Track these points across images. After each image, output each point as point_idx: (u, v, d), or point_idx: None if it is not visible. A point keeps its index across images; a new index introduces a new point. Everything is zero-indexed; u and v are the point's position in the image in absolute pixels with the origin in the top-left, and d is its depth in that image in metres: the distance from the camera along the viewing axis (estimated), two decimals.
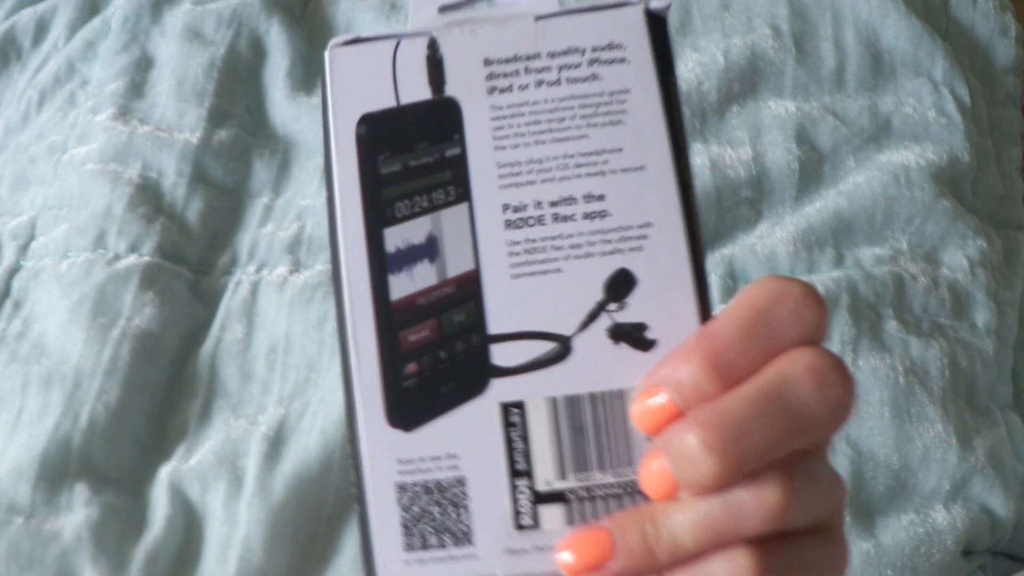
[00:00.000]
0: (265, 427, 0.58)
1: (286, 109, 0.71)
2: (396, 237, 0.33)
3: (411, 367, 0.33)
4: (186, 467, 0.57)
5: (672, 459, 0.30)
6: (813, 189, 0.69)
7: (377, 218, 0.33)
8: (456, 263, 0.33)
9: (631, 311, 0.33)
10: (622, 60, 0.33)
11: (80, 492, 0.56)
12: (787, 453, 0.30)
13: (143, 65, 0.73)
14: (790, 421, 0.30)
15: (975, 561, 0.62)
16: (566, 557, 0.32)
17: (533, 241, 0.33)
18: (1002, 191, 0.74)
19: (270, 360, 0.61)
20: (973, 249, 0.68)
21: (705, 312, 0.32)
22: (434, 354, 0.33)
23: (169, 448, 0.59)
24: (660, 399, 0.31)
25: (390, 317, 0.33)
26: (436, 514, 0.33)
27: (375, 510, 0.33)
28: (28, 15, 0.80)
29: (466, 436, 0.33)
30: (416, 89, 0.34)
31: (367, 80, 0.34)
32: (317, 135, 0.70)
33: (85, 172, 0.67)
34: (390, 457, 0.33)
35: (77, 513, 0.55)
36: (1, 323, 0.64)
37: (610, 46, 0.34)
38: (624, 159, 0.33)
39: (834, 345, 0.62)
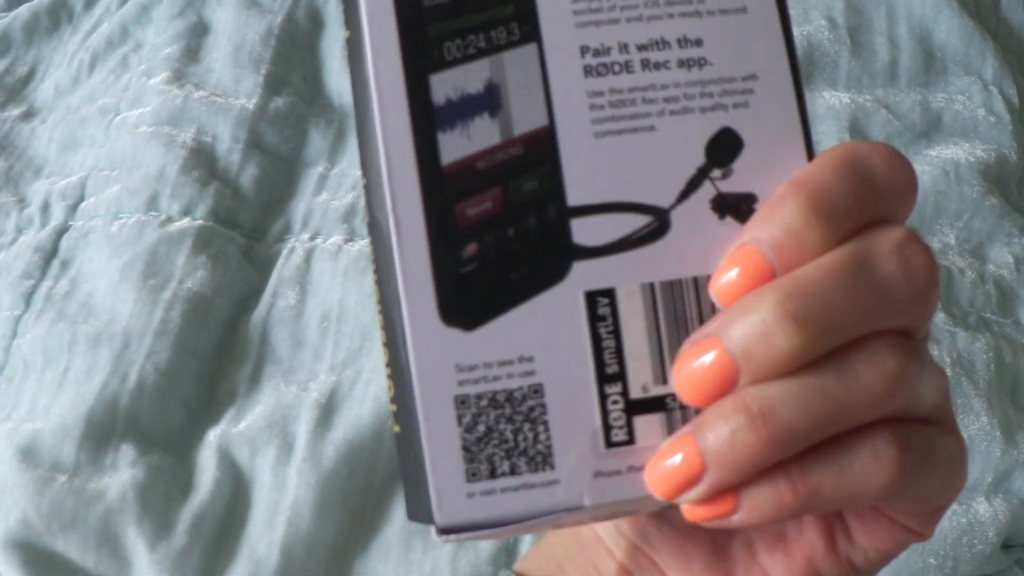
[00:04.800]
0: (317, 394, 0.58)
1: (343, 80, 0.71)
2: (446, 85, 0.26)
3: (470, 248, 0.27)
4: (235, 431, 0.57)
5: (741, 332, 0.26)
6: None
7: (420, 61, 0.26)
8: (524, 118, 0.27)
9: (737, 179, 0.28)
10: None
11: (126, 452, 0.55)
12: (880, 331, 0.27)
13: (199, 31, 0.73)
14: (876, 296, 0.26)
15: (1014, 555, 0.62)
16: (654, 478, 0.27)
17: (619, 92, 0.27)
18: None
19: (323, 328, 0.61)
20: (1019, 247, 0.69)
21: None
22: (499, 231, 0.27)
23: (218, 412, 0.59)
24: (749, 261, 0.26)
25: (441, 185, 0.26)
26: (507, 433, 0.26)
27: (428, 432, 0.26)
28: None
29: (543, 334, 0.27)
30: None
31: None
32: None
33: (138, 134, 0.67)
34: (446, 363, 0.26)
35: (122, 473, 0.54)
36: (48, 282, 0.64)
37: None
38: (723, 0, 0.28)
39: None
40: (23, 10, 0.80)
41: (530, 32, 0.27)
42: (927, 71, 0.74)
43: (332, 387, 0.58)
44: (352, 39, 0.27)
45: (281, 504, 0.54)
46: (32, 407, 0.58)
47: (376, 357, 0.59)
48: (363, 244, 0.64)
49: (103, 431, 0.56)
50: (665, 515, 0.35)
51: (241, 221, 0.65)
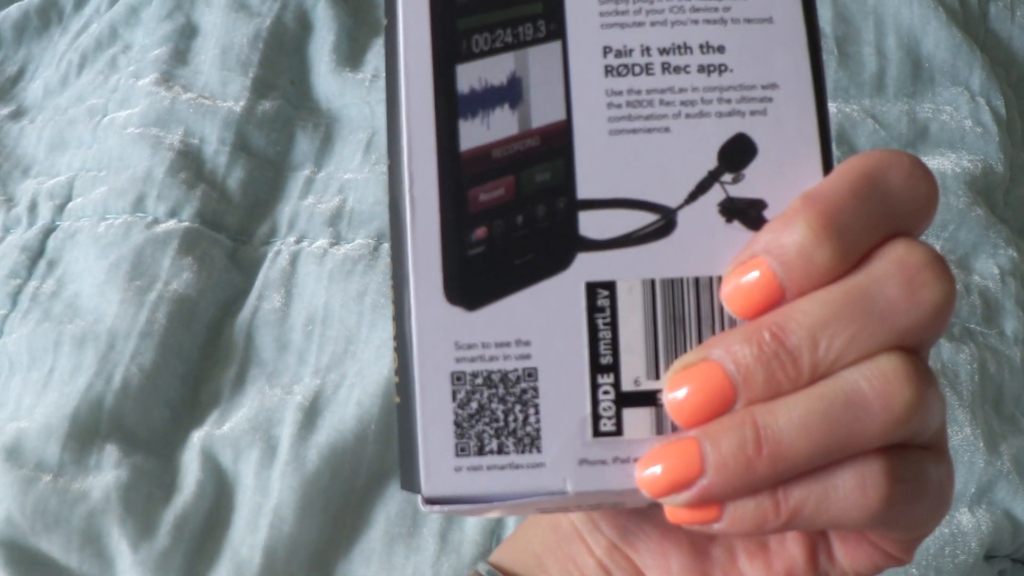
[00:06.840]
0: (300, 397, 0.58)
1: (331, 84, 0.72)
2: (471, 75, 0.28)
3: (479, 232, 0.28)
4: (219, 433, 0.57)
5: (734, 364, 0.27)
6: None
7: (448, 51, 0.28)
8: (543, 111, 0.28)
9: (748, 185, 0.28)
10: None
11: (110, 453, 0.55)
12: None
13: (187, 33, 0.73)
14: (875, 325, 0.26)
15: (996, 566, 0.62)
16: (646, 474, 0.27)
17: (638, 92, 0.28)
18: None
19: (307, 331, 0.61)
20: (1004, 258, 0.69)
21: None
22: (509, 218, 0.28)
23: (202, 413, 0.59)
24: (758, 273, 0.27)
25: (457, 170, 0.27)
26: (498, 412, 0.27)
27: (422, 404, 0.27)
28: None
29: (542, 320, 0.27)
30: None
31: None
32: (360, 111, 0.71)
33: (126, 136, 0.67)
34: (446, 340, 0.27)
35: (106, 474, 0.54)
36: (35, 282, 0.64)
37: None
38: (749, 8, 0.28)
39: None
40: (13, 9, 0.80)
41: (556, 30, 0.28)
42: (914, 81, 0.74)
43: (316, 390, 0.58)
44: (388, 27, 0.28)
45: (264, 507, 0.54)
46: (17, 407, 0.58)
47: (360, 361, 0.59)
48: (349, 248, 0.64)
49: (87, 431, 0.56)
50: (646, 512, 0.34)
51: (227, 224, 0.66)
